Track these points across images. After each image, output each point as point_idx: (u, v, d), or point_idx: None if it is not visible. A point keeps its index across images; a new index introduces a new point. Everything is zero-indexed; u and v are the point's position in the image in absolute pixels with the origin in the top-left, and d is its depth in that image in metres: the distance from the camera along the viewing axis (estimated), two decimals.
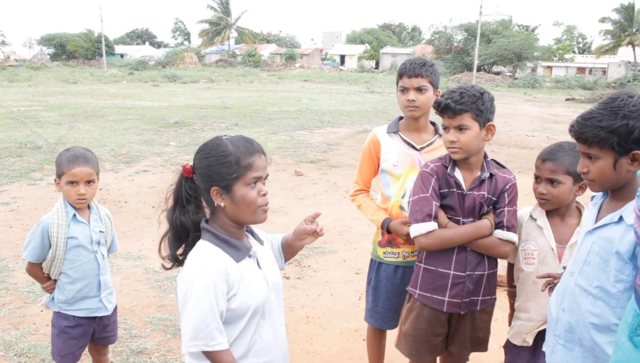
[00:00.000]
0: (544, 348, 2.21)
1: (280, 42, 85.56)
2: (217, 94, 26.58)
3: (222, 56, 65.20)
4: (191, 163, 1.91)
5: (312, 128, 15.26)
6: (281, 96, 26.97)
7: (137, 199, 7.73)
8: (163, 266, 1.99)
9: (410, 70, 2.79)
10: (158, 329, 4.07)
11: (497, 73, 52.77)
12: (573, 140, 2.53)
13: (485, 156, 2.54)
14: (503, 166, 2.61)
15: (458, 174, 2.50)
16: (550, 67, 58.48)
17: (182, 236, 1.93)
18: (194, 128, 14.36)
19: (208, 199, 1.90)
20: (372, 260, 3.09)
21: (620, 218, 1.84)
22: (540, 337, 2.56)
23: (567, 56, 68.12)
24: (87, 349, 3.00)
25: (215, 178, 1.84)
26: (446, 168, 2.50)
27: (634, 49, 53.19)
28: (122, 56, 71.67)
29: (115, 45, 74.55)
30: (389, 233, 2.87)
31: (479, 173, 2.50)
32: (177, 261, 1.95)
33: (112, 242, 2.92)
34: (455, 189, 2.49)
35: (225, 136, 1.90)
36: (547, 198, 2.47)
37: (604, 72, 53.74)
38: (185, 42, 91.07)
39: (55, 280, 2.76)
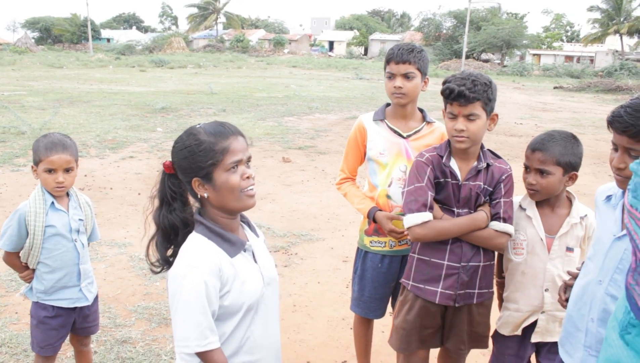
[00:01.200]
0: (562, 353, 2.12)
1: (269, 28, 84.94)
2: (205, 79, 26.35)
3: (210, 41, 64.59)
4: (170, 159, 1.84)
5: (300, 114, 15.17)
6: (269, 81, 26.80)
7: (123, 186, 7.64)
8: (152, 270, 1.90)
9: (398, 56, 2.72)
10: (143, 318, 4.02)
11: (486, 61, 52.79)
12: (564, 130, 2.50)
13: (482, 146, 2.49)
14: (499, 156, 2.56)
15: (454, 164, 2.45)
16: (538, 55, 58.64)
17: (170, 236, 1.84)
18: (181, 114, 14.22)
19: (192, 192, 1.83)
20: (358, 248, 3.05)
21: None
22: (529, 327, 2.54)
23: (555, 44, 68.36)
24: (68, 340, 2.94)
25: (194, 168, 1.77)
26: (442, 157, 2.45)
27: (621, 38, 53.42)
28: (108, 40, 70.80)
29: (101, 29, 73.64)
30: (376, 222, 2.83)
31: (475, 163, 2.45)
32: (168, 263, 1.87)
33: (93, 230, 2.85)
34: (450, 180, 2.44)
35: (198, 124, 1.83)
36: (536, 189, 2.43)
37: (592, 60, 53.98)
38: (173, 27, 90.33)
39: (33, 270, 2.69)
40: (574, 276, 2.18)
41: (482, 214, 2.44)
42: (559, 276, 2.43)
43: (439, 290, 2.47)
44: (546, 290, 2.45)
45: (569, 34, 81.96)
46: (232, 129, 1.82)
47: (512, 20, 55.08)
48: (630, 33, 51.92)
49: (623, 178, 1.86)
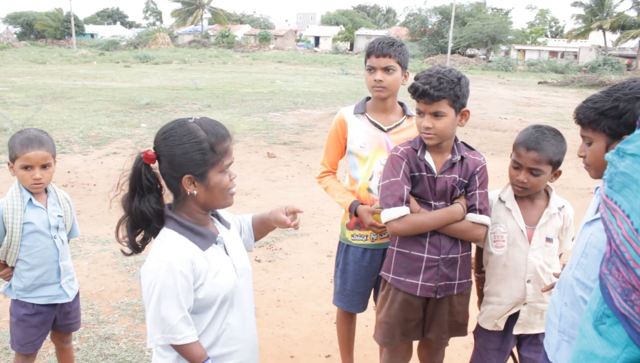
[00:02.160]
0: (544, 343, 2.14)
1: (254, 23, 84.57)
2: (190, 75, 26.19)
3: (195, 37, 64.22)
4: (152, 149, 1.80)
5: (285, 110, 15.15)
6: (255, 77, 26.72)
7: (107, 182, 7.58)
8: (122, 251, 1.90)
9: (378, 49, 2.73)
10: (126, 314, 4.00)
11: (472, 56, 53.01)
12: (549, 125, 2.53)
13: (455, 139, 2.50)
14: (472, 149, 2.58)
15: (428, 157, 2.46)
16: (523, 51, 58.94)
17: (141, 225, 1.83)
18: (165, 110, 14.14)
19: (176, 186, 1.81)
20: (340, 242, 3.06)
21: None
22: (511, 320, 2.57)
23: (540, 40, 68.75)
24: (49, 337, 2.92)
25: (189, 166, 1.75)
26: (416, 151, 2.46)
27: (604, 34, 53.93)
28: (92, 35, 69.98)
29: (85, 24, 72.77)
30: (357, 216, 2.84)
31: (450, 156, 2.46)
32: (137, 249, 1.86)
33: (73, 227, 2.82)
34: (425, 173, 2.45)
35: (191, 119, 1.79)
36: (525, 187, 2.43)
37: (576, 56, 54.36)
38: (157, 23, 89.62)
39: (12, 267, 2.66)
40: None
41: (458, 206, 2.46)
42: (540, 267, 2.46)
43: (420, 282, 2.48)
44: (528, 281, 2.47)
45: (553, 29, 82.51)
46: (227, 129, 1.83)
47: (497, 16, 55.37)
48: (613, 29, 52.42)
49: (585, 166, 1.96)
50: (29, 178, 2.53)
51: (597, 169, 1.90)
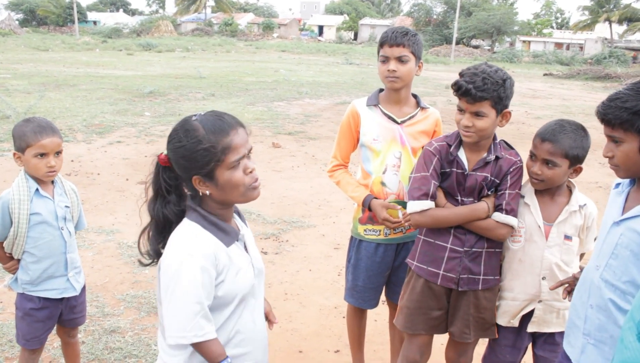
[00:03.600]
0: (565, 345, 2.11)
1: (258, 12, 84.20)
2: (193, 63, 26.07)
3: (199, 25, 63.92)
4: (165, 152, 1.75)
5: (289, 99, 15.06)
6: (258, 66, 26.59)
7: (110, 171, 7.53)
8: (140, 262, 1.83)
9: (392, 39, 2.65)
10: (132, 307, 3.95)
11: (476, 47, 52.75)
12: (574, 119, 2.47)
13: (494, 138, 2.46)
14: (512, 148, 2.52)
15: (462, 153, 2.44)
16: (528, 42, 58.63)
17: (164, 229, 1.77)
18: (169, 98, 14.05)
19: (190, 187, 1.75)
20: (352, 237, 2.99)
21: None
22: (526, 318, 2.52)
23: (545, 31, 68.38)
24: (55, 331, 2.86)
25: (194, 167, 1.68)
26: (450, 146, 2.43)
27: (610, 26, 53.59)
28: (95, 23, 69.75)
29: (87, 12, 72.42)
30: (371, 210, 2.77)
31: (485, 155, 2.43)
32: (158, 255, 1.80)
33: (79, 218, 2.75)
34: (455, 169, 2.44)
35: (194, 116, 1.71)
36: (540, 178, 2.39)
37: (581, 48, 54.04)
38: (160, 10, 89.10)
39: (18, 260, 2.59)
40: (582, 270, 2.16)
41: (483, 204, 2.42)
42: (556, 265, 2.40)
43: (441, 272, 2.49)
44: (543, 278, 2.42)
45: (558, 21, 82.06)
46: (232, 122, 1.72)
47: (503, 7, 54.97)
48: (620, 21, 52.10)
49: (613, 167, 1.90)
50: (43, 166, 2.46)
51: (627, 170, 1.85)
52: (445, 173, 2.46)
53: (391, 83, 2.71)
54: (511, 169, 2.44)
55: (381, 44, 2.72)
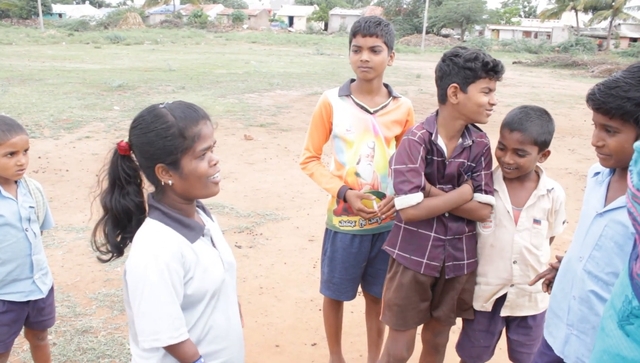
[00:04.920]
0: (546, 335, 2.12)
1: (227, 3, 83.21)
2: (163, 56, 25.70)
3: (167, 17, 62.92)
4: (126, 139, 1.69)
5: (261, 91, 14.95)
6: (229, 58, 26.32)
7: (80, 168, 7.37)
8: (99, 259, 1.76)
9: (365, 29, 2.62)
10: (104, 305, 3.87)
11: (446, 36, 53.09)
12: (537, 106, 2.47)
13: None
14: (479, 130, 2.52)
15: (441, 142, 2.41)
16: (497, 31, 59.21)
17: (123, 222, 1.71)
18: (138, 92, 13.81)
19: (152, 177, 1.69)
20: (327, 229, 2.96)
21: None
22: (499, 302, 2.54)
23: (513, 20, 69.13)
24: (23, 334, 2.77)
25: (159, 154, 1.62)
26: (431, 134, 2.40)
27: (576, 14, 54.34)
28: (60, 15, 68.24)
29: (52, 4, 70.66)
30: (346, 201, 2.74)
31: (461, 141, 2.42)
32: (118, 250, 1.74)
33: (46, 218, 2.66)
34: (436, 158, 2.41)
35: (162, 104, 1.67)
36: (513, 167, 2.41)
37: (549, 36, 54.83)
38: (128, 2, 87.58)
39: None
40: (559, 259, 2.17)
41: (467, 187, 2.43)
42: (526, 249, 2.44)
43: (425, 260, 2.47)
44: (514, 262, 2.46)
45: (526, 9, 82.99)
46: (202, 112, 1.69)
47: None
48: (585, 10, 52.86)
49: (602, 156, 1.85)
50: (12, 165, 2.36)
51: (619, 161, 1.82)
52: (426, 162, 2.43)
53: (364, 73, 2.68)
54: (484, 150, 2.47)
55: (354, 34, 2.69)
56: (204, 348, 1.76)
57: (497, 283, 2.50)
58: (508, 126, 2.39)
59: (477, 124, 2.48)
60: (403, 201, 2.37)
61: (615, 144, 1.79)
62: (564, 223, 2.58)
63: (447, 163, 2.41)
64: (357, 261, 2.88)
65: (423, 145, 2.39)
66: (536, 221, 2.45)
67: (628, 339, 1.13)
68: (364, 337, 3.42)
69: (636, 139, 1.70)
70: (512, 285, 2.48)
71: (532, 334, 2.57)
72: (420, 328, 2.76)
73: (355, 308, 3.88)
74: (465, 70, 2.28)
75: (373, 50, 2.63)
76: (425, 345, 2.82)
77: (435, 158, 2.41)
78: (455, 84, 2.31)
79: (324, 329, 3.24)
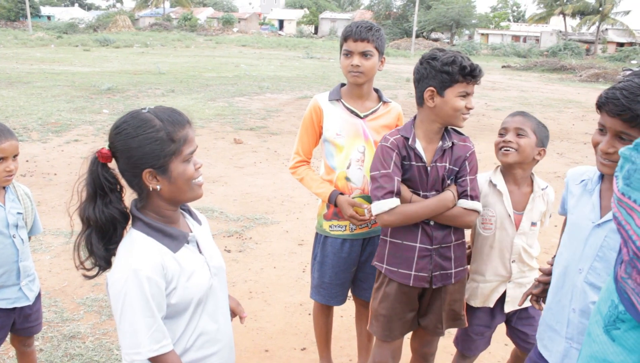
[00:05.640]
0: (540, 348, 2.11)
1: (217, 6, 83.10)
2: (152, 59, 25.61)
3: (157, 20, 62.79)
4: (107, 146, 1.64)
5: (251, 94, 14.92)
6: (219, 61, 26.28)
7: (68, 171, 7.32)
8: (85, 276, 1.71)
9: (356, 33, 2.62)
10: (92, 311, 3.84)
11: (436, 40, 53.33)
12: (532, 110, 2.51)
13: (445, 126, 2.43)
14: (461, 133, 2.50)
15: (419, 145, 2.36)
16: (486, 35, 59.55)
17: (109, 232, 1.67)
18: (128, 95, 13.75)
19: (137, 183, 1.66)
20: (317, 234, 2.96)
21: None
22: (499, 299, 2.61)
23: (502, 24, 69.59)
24: (9, 340, 2.74)
25: (147, 159, 1.60)
26: (407, 139, 2.36)
27: (564, 19, 54.79)
28: (49, 18, 67.84)
29: (41, 6, 70.43)
30: (337, 206, 2.74)
31: (440, 143, 2.38)
32: (107, 262, 1.69)
33: (34, 223, 2.63)
34: (415, 163, 2.36)
35: (144, 109, 1.65)
36: (512, 146, 2.45)
37: (537, 40, 55.23)
38: (118, 5, 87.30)
39: None
40: (546, 273, 2.17)
41: (449, 194, 2.38)
42: (523, 249, 2.53)
43: (413, 272, 2.43)
44: (513, 261, 2.54)
45: (515, 14, 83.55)
46: (185, 116, 1.69)
47: (462, 0, 55.73)
48: (573, 14, 53.36)
49: (611, 163, 1.76)
50: (1, 170, 2.34)
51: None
52: (403, 166, 2.38)
53: (354, 78, 2.68)
54: (468, 155, 2.43)
55: (345, 38, 2.69)
56: (193, 354, 1.75)
57: (496, 279, 2.57)
58: (510, 116, 2.55)
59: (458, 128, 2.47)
60: (377, 207, 2.34)
61: None
62: (550, 216, 2.67)
63: (429, 168, 2.37)
64: (347, 266, 2.88)
65: (396, 151, 2.35)
66: (533, 224, 2.54)
67: (614, 344, 1.14)
68: (353, 341, 3.42)
69: None
70: (510, 281, 2.56)
71: (534, 323, 2.60)
72: (409, 335, 2.76)
73: (345, 313, 3.88)
74: (443, 74, 2.25)
75: (364, 55, 2.64)
76: (414, 354, 2.80)
77: (414, 163, 2.36)
78: (432, 88, 2.28)
79: (314, 334, 3.23)
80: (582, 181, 1.99)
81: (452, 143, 2.40)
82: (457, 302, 2.55)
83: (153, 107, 1.67)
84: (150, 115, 1.63)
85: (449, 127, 2.43)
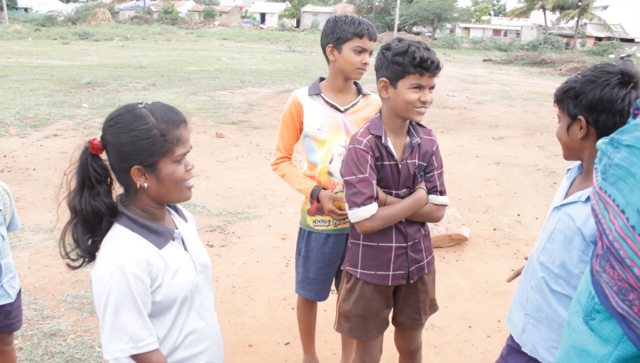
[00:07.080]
0: (507, 323, 2.15)
1: None
2: (133, 52, 25.33)
3: (137, 13, 62.08)
4: (99, 137, 1.63)
5: (232, 88, 14.84)
6: (200, 55, 26.09)
7: (47, 166, 7.23)
8: (69, 266, 1.69)
9: (373, 33, 2.67)
10: (73, 308, 3.80)
11: (417, 33, 53.45)
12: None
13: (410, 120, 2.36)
14: (423, 126, 2.45)
15: (390, 144, 2.31)
16: (468, 29, 59.86)
17: (93, 224, 1.65)
18: (108, 89, 13.59)
19: (125, 179, 1.64)
20: (301, 229, 2.96)
21: (588, 198, 1.75)
22: None
23: (484, 18, 70.00)
24: None
25: (137, 155, 1.58)
26: (380, 138, 2.29)
27: (544, 13, 55.27)
28: (26, 10, 66.78)
29: None
30: (319, 201, 2.74)
31: (408, 139, 2.33)
32: (91, 254, 1.67)
33: (12, 219, 2.59)
34: (387, 161, 2.31)
35: (141, 104, 1.63)
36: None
37: (518, 34, 55.65)
38: None
39: None
40: None
41: (422, 192, 2.38)
42: None
43: (391, 272, 2.41)
44: None
45: (496, 8, 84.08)
46: (182, 116, 1.66)
47: None
48: (553, 9, 53.83)
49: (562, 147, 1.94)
50: None
51: (563, 148, 1.92)
52: (377, 168, 2.31)
53: (360, 75, 2.71)
54: (434, 149, 2.42)
55: (359, 35, 2.63)
56: (182, 353, 1.74)
57: None
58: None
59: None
60: (357, 214, 2.25)
61: (559, 130, 1.91)
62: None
63: (400, 166, 2.31)
64: (331, 261, 2.88)
65: (370, 153, 2.26)
66: None
67: (592, 334, 1.16)
68: (337, 335, 3.43)
69: (567, 127, 1.82)
70: None
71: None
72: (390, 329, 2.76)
73: (328, 307, 3.88)
74: (394, 65, 2.17)
75: (371, 53, 2.69)
76: (401, 353, 2.76)
77: (386, 162, 2.30)
78: (384, 79, 2.23)
79: (298, 328, 3.24)
80: (569, 170, 2.06)
81: (420, 138, 2.36)
82: (433, 290, 2.58)
83: (150, 103, 1.64)
84: (146, 111, 1.61)
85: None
